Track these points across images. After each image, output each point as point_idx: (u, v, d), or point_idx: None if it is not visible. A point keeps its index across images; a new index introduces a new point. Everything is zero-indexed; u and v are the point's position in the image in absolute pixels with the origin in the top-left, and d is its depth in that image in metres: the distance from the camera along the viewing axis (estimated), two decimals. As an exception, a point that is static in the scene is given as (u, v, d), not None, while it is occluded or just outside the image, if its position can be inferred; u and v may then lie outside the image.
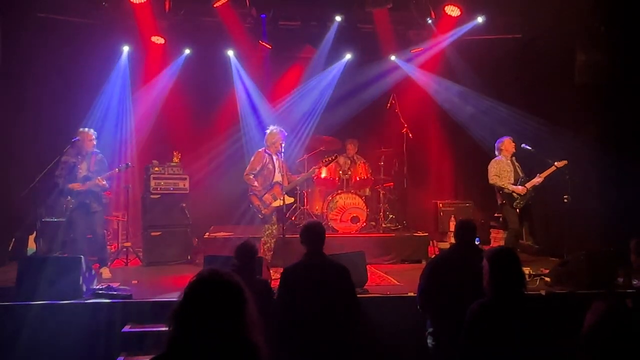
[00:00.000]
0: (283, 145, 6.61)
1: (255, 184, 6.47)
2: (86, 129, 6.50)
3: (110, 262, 6.85)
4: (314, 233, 3.90)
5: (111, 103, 8.43)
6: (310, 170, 6.73)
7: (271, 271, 5.81)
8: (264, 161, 6.54)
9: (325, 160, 7.11)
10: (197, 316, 1.91)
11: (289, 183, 6.71)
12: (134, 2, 7.71)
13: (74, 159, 6.38)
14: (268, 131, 6.70)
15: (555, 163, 6.73)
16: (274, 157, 6.63)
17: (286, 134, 6.80)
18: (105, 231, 7.19)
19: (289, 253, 6.55)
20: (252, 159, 6.62)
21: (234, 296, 1.97)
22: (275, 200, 6.50)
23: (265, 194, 6.48)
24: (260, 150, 6.68)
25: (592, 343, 1.90)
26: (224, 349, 1.90)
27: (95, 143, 6.52)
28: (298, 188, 8.35)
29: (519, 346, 2.79)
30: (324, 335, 3.63)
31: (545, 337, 2.82)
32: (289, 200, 6.66)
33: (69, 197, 6.32)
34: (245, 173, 6.53)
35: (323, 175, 8.26)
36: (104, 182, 6.33)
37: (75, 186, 6.27)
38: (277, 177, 6.56)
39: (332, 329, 3.65)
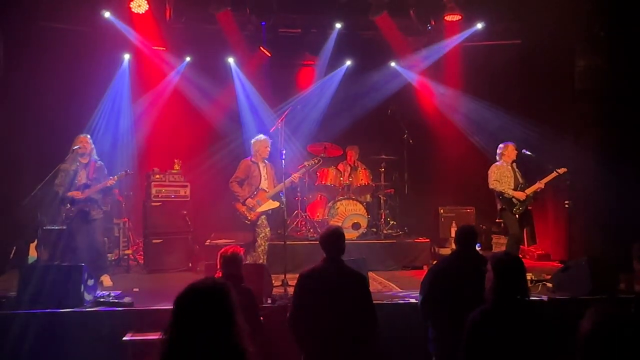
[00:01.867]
0: (284, 152, 6.65)
1: (239, 190, 6.67)
2: (81, 135, 6.54)
3: (111, 270, 6.84)
4: (331, 238, 3.88)
5: (112, 111, 8.44)
6: (290, 177, 6.83)
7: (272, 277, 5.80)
8: (250, 170, 6.75)
9: (309, 164, 7.22)
10: (188, 324, 1.93)
11: (273, 188, 6.84)
12: (136, 11, 7.75)
13: (73, 167, 6.38)
14: (253, 140, 6.90)
15: (557, 170, 6.72)
16: (260, 165, 6.82)
17: (271, 140, 6.95)
18: (105, 239, 7.18)
19: (290, 260, 6.60)
20: (238, 167, 6.81)
21: (224, 304, 1.99)
22: (260, 205, 6.65)
23: (248, 199, 6.64)
24: (246, 159, 6.88)
25: (590, 349, 1.89)
26: (214, 356, 1.91)
27: (90, 147, 6.51)
28: (299, 194, 8.39)
29: (521, 353, 2.78)
30: (337, 341, 3.61)
31: (547, 343, 2.81)
32: (274, 204, 6.74)
33: (69, 206, 6.31)
34: (230, 181, 6.73)
35: (324, 181, 8.28)
36: (111, 181, 6.35)
37: (76, 194, 6.27)
38: (263, 184, 6.76)
39: (345, 336, 3.63)
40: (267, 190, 6.77)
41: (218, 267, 4.03)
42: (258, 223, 6.65)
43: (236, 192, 6.68)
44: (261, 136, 6.96)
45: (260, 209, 6.65)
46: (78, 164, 6.40)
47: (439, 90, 9.35)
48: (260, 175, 6.77)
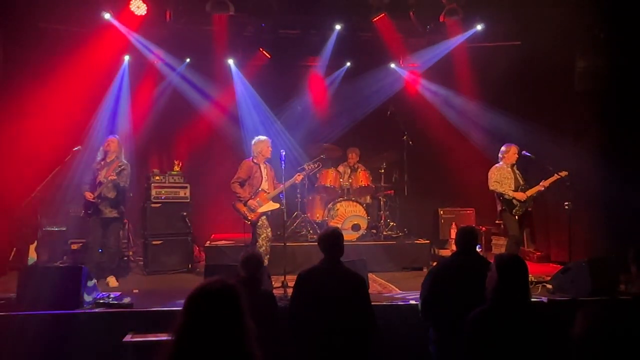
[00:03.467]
0: (284, 153, 6.59)
1: (240, 191, 6.68)
2: (110, 136, 6.74)
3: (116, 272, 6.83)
4: (330, 239, 3.89)
5: (112, 112, 8.45)
6: (292, 178, 6.84)
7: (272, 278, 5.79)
8: (251, 171, 6.75)
9: (309, 168, 7.23)
10: (197, 325, 1.92)
11: (274, 190, 6.85)
12: (136, 13, 7.75)
13: (98, 165, 6.49)
14: (254, 141, 6.89)
15: (558, 172, 6.70)
16: (261, 166, 6.83)
17: (271, 141, 6.95)
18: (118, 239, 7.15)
19: (290, 261, 6.60)
20: (239, 168, 6.81)
21: (233, 305, 1.98)
22: (260, 206, 6.65)
23: (249, 200, 6.64)
24: (247, 160, 6.88)
25: (584, 351, 1.89)
26: (221, 358, 1.91)
27: (117, 147, 6.57)
28: (299, 196, 8.39)
29: (521, 353, 2.78)
30: (336, 342, 3.61)
31: (546, 344, 2.81)
32: (274, 206, 6.74)
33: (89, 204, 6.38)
34: (231, 181, 6.73)
35: (324, 183, 8.27)
36: (112, 176, 6.28)
37: (87, 195, 6.32)
38: (264, 185, 6.77)
39: (344, 338, 3.63)
40: (268, 191, 6.77)
41: (240, 268, 3.98)
42: (259, 224, 6.66)
43: (238, 193, 6.68)
44: (262, 137, 6.96)
45: (260, 210, 6.66)
46: (103, 162, 6.48)
47: (438, 91, 9.35)
48: (262, 177, 6.77)
